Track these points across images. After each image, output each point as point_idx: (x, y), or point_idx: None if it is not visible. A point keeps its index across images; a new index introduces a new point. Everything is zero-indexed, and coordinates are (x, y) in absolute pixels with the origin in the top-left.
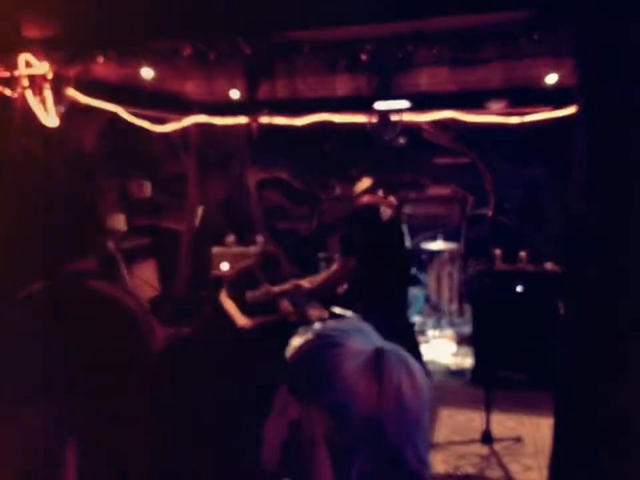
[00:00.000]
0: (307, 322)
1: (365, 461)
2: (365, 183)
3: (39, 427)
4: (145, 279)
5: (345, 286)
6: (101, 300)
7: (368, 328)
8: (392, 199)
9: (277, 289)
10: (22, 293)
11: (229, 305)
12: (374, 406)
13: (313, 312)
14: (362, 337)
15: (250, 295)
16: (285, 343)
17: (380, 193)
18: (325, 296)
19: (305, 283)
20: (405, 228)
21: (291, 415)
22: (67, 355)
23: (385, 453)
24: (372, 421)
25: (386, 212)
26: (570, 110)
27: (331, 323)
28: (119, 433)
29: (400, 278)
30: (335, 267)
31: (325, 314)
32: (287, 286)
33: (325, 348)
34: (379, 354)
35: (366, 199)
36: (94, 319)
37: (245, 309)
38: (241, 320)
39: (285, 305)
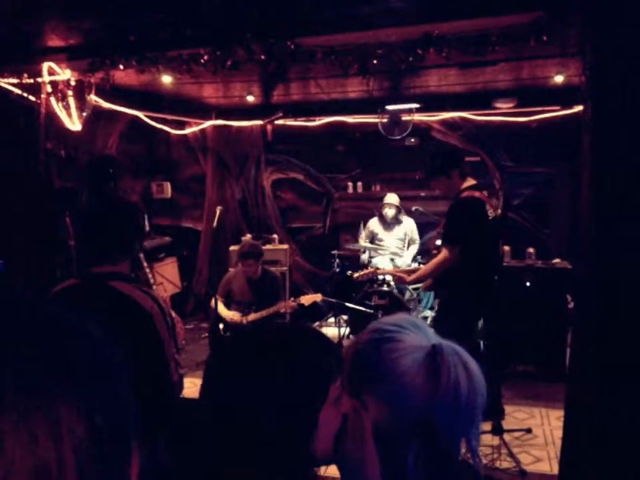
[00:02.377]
0: (302, 310)
1: (418, 452)
2: (470, 181)
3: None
4: (166, 277)
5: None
6: (117, 298)
7: (422, 323)
8: (494, 202)
9: (380, 271)
10: (55, 288)
11: (220, 304)
12: (430, 401)
13: (306, 299)
14: (418, 332)
15: (357, 273)
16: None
17: (485, 193)
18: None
19: (403, 274)
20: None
21: (344, 407)
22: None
23: (438, 446)
24: (426, 415)
25: (490, 211)
26: (577, 109)
27: (386, 318)
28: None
29: (485, 283)
30: (440, 257)
31: (319, 297)
32: (388, 270)
33: (382, 342)
34: (437, 350)
35: (476, 194)
36: (109, 317)
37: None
38: (230, 315)
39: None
